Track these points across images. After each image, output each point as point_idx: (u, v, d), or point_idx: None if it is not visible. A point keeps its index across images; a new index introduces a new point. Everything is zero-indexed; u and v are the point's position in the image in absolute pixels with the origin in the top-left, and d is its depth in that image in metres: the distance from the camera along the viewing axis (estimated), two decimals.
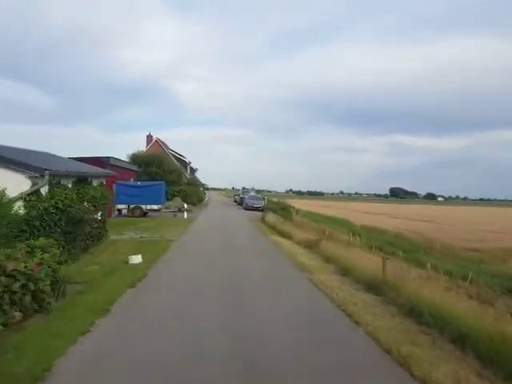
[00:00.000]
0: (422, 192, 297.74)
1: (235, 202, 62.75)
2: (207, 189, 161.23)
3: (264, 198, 46.65)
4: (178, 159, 56.57)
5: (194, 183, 49.75)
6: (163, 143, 56.06)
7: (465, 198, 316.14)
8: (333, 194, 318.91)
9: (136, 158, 44.98)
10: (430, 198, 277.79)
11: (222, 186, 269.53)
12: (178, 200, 37.40)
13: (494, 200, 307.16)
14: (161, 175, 44.62)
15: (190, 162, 58.58)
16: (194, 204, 45.80)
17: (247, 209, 43.45)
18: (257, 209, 43.51)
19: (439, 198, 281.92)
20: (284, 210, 32.09)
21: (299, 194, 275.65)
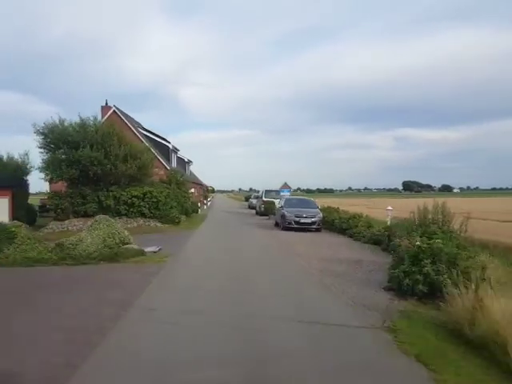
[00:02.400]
0: (437, 184, 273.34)
1: (252, 208, 38.13)
2: (213, 191, 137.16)
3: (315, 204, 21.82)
4: (155, 142, 32.01)
5: (179, 181, 24.86)
6: (126, 116, 31.46)
7: (476, 188, 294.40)
8: (341, 190, 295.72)
9: (51, 133, 20.46)
10: (446, 190, 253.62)
11: (229, 188, 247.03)
12: (105, 224, 12.29)
13: (506, 189, 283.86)
14: (103, 165, 20.08)
15: (175, 149, 33.93)
16: (175, 221, 21.11)
17: (287, 227, 18.90)
18: (308, 228, 18.80)
19: (455, 190, 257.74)
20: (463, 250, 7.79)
21: (308, 192, 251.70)
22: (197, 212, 29.51)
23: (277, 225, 21.53)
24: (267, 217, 26.17)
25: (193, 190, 29.63)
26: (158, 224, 20.30)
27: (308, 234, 17.80)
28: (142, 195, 20.35)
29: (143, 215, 20.36)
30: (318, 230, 18.82)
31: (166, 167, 28.29)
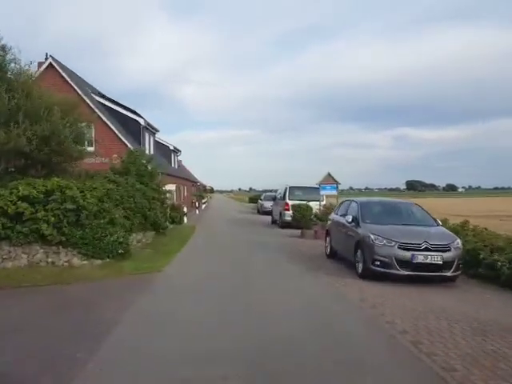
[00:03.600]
0: (440, 183, 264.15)
1: (265, 214, 26.93)
2: (212, 191, 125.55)
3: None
4: (117, 116, 20.73)
5: (143, 170, 13.47)
6: (69, 72, 20.13)
7: (478, 188, 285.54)
8: (343, 190, 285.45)
9: None
10: (451, 189, 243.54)
11: (229, 188, 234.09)
12: None
13: (509, 188, 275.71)
14: None
15: (151, 128, 22.45)
16: (115, 252, 9.76)
17: (379, 272, 7.51)
18: (435, 275, 7.41)
19: (460, 189, 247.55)
20: None
21: None
22: (181, 222, 18.09)
23: (333, 255, 10.16)
24: (298, 232, 14.80)
25: (173, 188, 18.09)
26: (77, 260, 8.95)
27: (447, 294, 6.50)
28: (42, 196, 8.95)
29: (44, 239, 8.96)
30: (451, 280, 7.52)
31: (125, 143, 17.02)
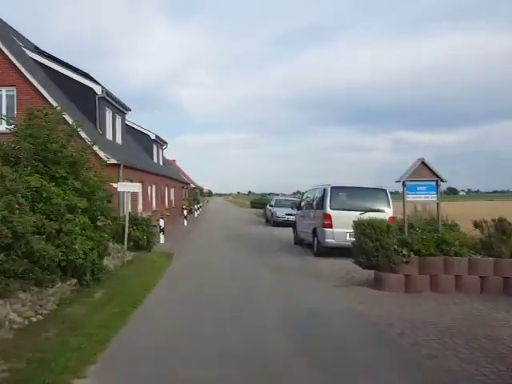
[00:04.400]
0: (442, 187, 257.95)
1: (278, 225, 19.58)
2: (210, 194, 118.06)
3: None
4: (62, 80, 13.62)
5: (52, 156, 6.39)
6: None
7: (477, 191, 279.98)
8: None
9: None
10: (452, 192, 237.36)
11: (227, 191, 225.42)
12: None
13: (508, 191, 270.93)
14: None
15: (115, 102, 15.39)
16: None
17: None
18: None
19: (461, 193, 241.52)
20: None
21: None
22: (150, 247, 10.91)
23: None
24: (364, 274, 7.57)
25: (136, 190, 10.54)
26: None
27: None
28: None
29: None
30: None
31: (62, 117, 9.73)
